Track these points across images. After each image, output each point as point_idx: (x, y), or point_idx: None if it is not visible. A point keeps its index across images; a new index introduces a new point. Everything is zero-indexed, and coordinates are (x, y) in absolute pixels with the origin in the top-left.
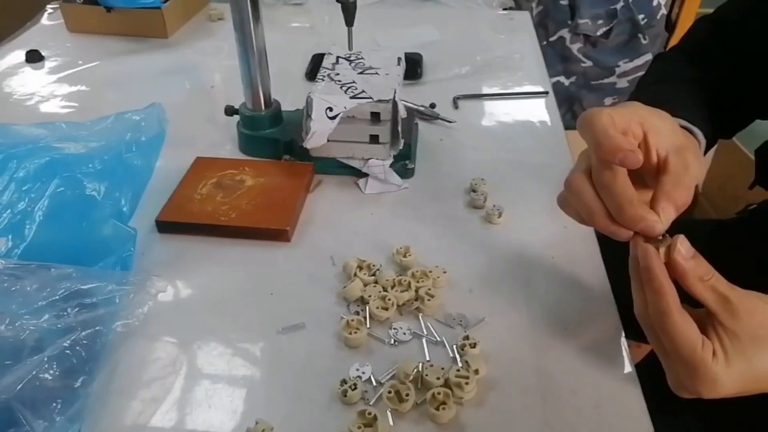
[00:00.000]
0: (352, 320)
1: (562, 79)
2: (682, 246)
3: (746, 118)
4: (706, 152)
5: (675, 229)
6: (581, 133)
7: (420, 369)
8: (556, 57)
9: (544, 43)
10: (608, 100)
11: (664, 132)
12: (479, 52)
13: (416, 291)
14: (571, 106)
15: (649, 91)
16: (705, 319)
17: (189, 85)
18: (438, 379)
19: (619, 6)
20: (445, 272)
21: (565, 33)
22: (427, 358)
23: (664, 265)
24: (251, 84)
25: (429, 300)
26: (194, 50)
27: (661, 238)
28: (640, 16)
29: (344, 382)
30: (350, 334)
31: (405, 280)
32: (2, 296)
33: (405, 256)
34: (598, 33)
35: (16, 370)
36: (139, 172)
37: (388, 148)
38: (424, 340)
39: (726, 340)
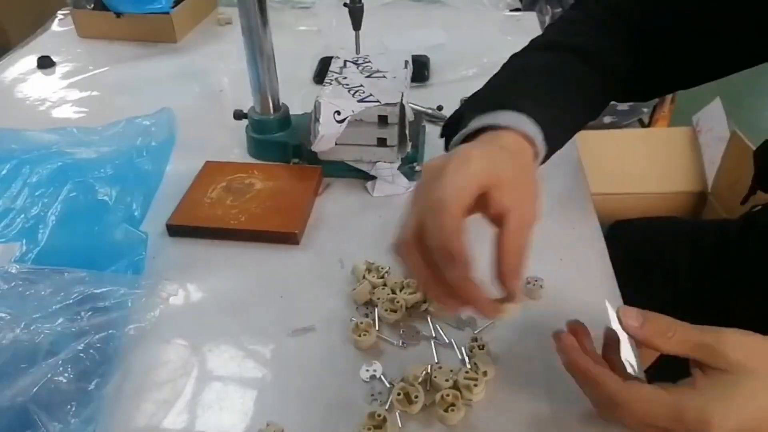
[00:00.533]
0: (362, 323)
1: None
2: (629, 317)
3: (661, 86)
4: (553, 151)
5: (681, 231)
6: (423, 202)
7: (429, 371)
8: None
9: None
10: (608, 119)
11: (509, 185)
12: (486, 53)
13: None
14: None
15: (529, 60)
16: (691, 370)
17: (198, 89)
18: (447, 381)
19: None
20: None
21: None
22: (436, 360)
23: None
24: (260, 89)
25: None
26: (203, 54)
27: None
28: None
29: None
30: (359, 336)
31: (414, 282)
32: (17, 300)
33: None
34: None
35: (32, 373)
36: (150, 177)
37: (395, 151)
38: (432, 342)
39: (716, 377)
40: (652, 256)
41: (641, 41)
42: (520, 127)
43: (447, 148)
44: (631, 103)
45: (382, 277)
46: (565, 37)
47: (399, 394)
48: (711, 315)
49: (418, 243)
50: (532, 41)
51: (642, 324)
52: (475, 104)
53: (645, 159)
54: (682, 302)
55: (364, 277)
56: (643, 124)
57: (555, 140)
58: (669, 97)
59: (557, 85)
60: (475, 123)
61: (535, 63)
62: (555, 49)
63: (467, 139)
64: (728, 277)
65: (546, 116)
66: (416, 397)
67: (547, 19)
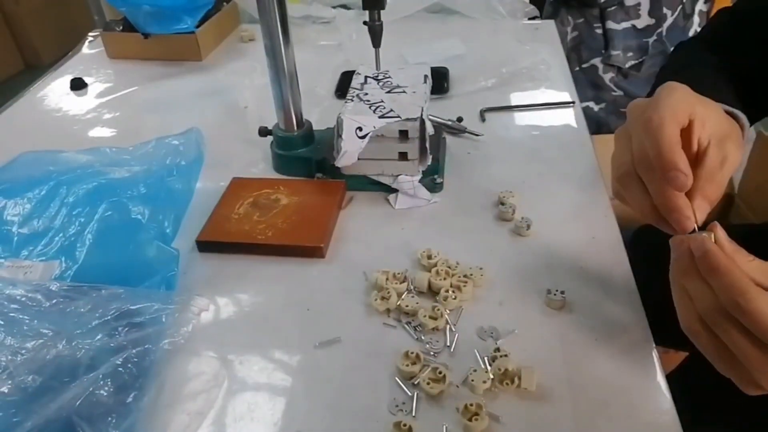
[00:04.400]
0: (412, 353)
1: (591, 104)
2: (721, 232)
3: (759, 113)
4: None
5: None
6: (637, 126)
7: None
8: (587, 84)
9: (577, 69)
10: None
11: (709, 121)
12: (505, 63)
13: (451, 278)
14: (598, 130)
15: (676, 78)
16: None
17: (223, 106)
18: (484, 383)
19: (651, 40)
20: (481, 269)
21: (597, 62)
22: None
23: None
24: (283, 106)
25: (464, 286)
26: (227, 71)
27: (695, 232)
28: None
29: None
30: (407, 366)
31: (441, 269)
32: (59, 317)
33: (430, 258)
34: (628, 65)
35: (74, 387)
36: (180, 196)
37: (416, 164)
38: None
39: None
40: None
41: (742, 67)
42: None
43: None
44: None
45: (404, 281)
46: (692, 61)
47: (428, 383)
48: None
49: (637, 172)
50: (659, 76)
51: (729, 241)
52: None
53: None
54: None
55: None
56: None
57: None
58: None
59: (722, 83)
60: None
61: (685, 66)
62: (693, 67)
63: None
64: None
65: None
66: (440, 373)
67: (569, 30)
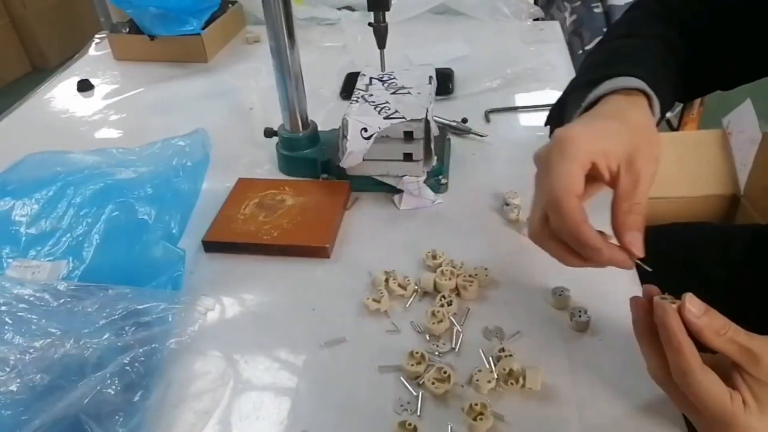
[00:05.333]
0: (417, 352)
1: None
2: (692, 305)
3: (709, 84)
4: (664, 114)
5: (713, 236)
6: (542, 194)
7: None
8: None
9: (580, 52)
10: None
11: (611, 150)
12: (510, 64)
13: (456, 278)
14: None
15: (616, 44)
16: (729, 368)
17: (229, 107)
18: (489, 382)
19: None
20: (486, 269)
21: None
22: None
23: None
24: (289, 107)
25: (470, 286)
26: (233, 73)
27: (665, 296)
28: None
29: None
30: (412, 366)
31: (446, 270)
32: (67, 316)
33: (435, 258)
34: None
35: (82, 386)
36: (187, 196)
37: (421, 165)
38: (461, 353)
39: (756, 388)
40: (683, 263)
41: (698, 37)
42: (639, 86)
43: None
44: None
45: (405, 287)
46: (639, 29)
47: (433, 383)
48: (743, 322)
49: (548, 230)
50: (605, 38)
51: (702, 315)
52: (579, 86)
53: (674, 162)
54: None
55: (385, 286)
56: (671, 128)
57: (662, 103)
58: (698, 99)
59: (652, 60)
60: (598, 91)
61: (622, 45)
62: (635, 37)
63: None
64: (762, 283)
65: (653, 81)
66: (445, 373)
67: (567, 15)
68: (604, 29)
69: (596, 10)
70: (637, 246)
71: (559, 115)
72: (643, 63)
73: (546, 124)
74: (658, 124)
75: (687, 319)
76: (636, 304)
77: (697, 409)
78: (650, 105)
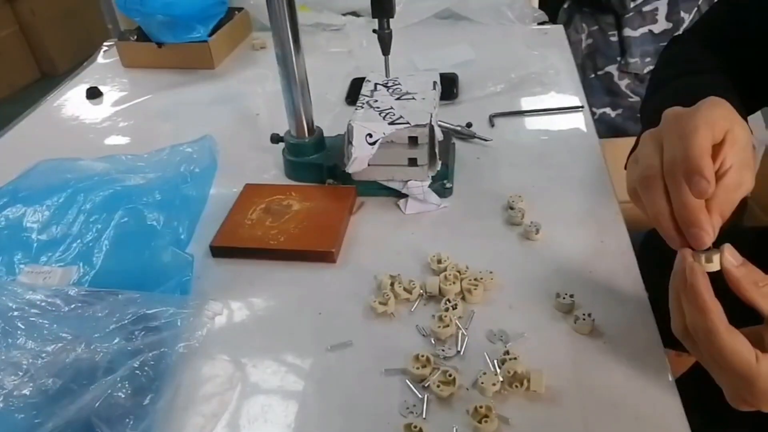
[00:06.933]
0: (422, 355)
1: (608, 110)
2: (731, 255)
3: (757, 104)
4: None
5: (720, 237)
6: (671, 132)
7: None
8: (602, 90)
9: (592, 75)
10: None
11: (739, 144)
12: (514, 69)
13: (461, 281)
14: (615, 135)
15: (686, 81)
16: (762, 331)
17: (235, 113)
18: (494, 385)
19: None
20: (491, 273)
21: (613, 69)
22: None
23: (709, 281)
24: (295, 113)
25: (475, 289)
26: (239, 79)
27: (706, 249)
28: None
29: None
30: (418, 369)
31: (451, 274)
32: (77, 321)
33: (440, 262)
34: (645, 71)
35: (93, 389)
36: (195, 202)
37: (426, 170)
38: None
39: None
40: None
41: (740, 62)
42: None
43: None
44: None
45: (410, 291)
46: (690, 65)
47: (438, 385)
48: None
49: (661, 177)
50: (661, 78)
51: (741, 265)
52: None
53: None
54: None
55: (391, 289)
56: None
57: None
58: None
59: (724, 92)
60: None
61: (685, 83)
62: (692, 74)
63: None
64: None
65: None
66: (450, 375)
67: (583, 37)
68: (618, 57)
69: (612, 39)
70: (716, 227)
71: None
72: (725, 97)
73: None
74: None
75: (725, 268)
76: (682, 253)
77: (721, 367)
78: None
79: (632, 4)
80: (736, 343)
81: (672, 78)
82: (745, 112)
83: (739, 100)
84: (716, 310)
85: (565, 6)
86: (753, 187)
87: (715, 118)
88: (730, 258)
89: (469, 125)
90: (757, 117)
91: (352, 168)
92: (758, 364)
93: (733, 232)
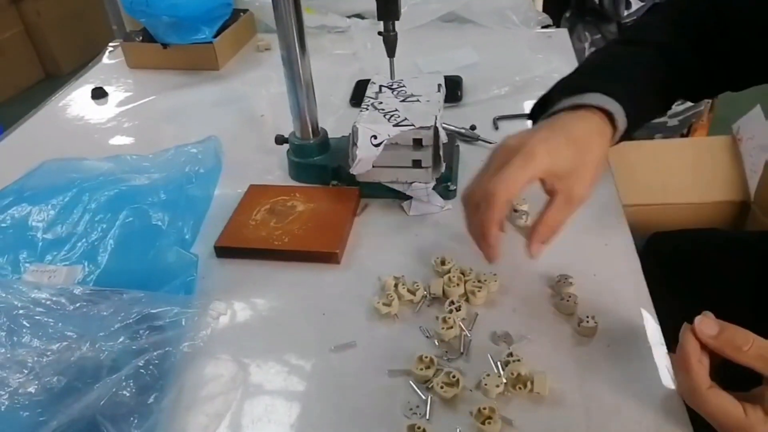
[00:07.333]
0: (426, 357)
1: None
2: (705, 326)
3: (716, 87)
4: (642, 121)
5: (722, 242)
6: (486, 191)
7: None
8: None
9: None
10: (658, 137)
11: (558, 168)
12: (518, 72)
13: (465, 283)
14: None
15: (614, 50)
16: (765, 391)
17: (240, 115)
18: (497, 387)
19: None
20: (495, 275)
21: None
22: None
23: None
24: (299, 115)
25: (478, 291)
26: (244, 81)
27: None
28: None
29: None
30: (421, 370)
31: (455, 276)
32: (82, 320)
33: (443, 264)
34: None
35: (98, 388)
36: (199, 202)
37: (430, 172)
38: (469, 358)
39: None
40: (691, 269)
41: (709, 42)
42: (603, 105)
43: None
44: (680, 118)
45: (414, 293)
46: (644, 35)
47: (441, 386)
48: (752, 328)
49: (475, 200)
50: (612, 41)
51: (717, 334)
52: (563, 88)
53: (684, 168)
54: (722, 316)
55: (395, 290)
56: (681, 134)
57: (635, 120)
58: (708, 105)
59: (638, 72)
60: (564, 103)
61: (616, 53)
62: (635, 44)
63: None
64: None
65: (627, 96)
66: (454, 377)
67: (586, 46)
68: None
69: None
70: (537, 255)
71: (540, 111)
72: (626, 75)
73: (529, 118)
74: (636, 129)
75: (702, 340)
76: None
77: (717, 425)
78: (613, 120)
79: (626, 12)
80: (719, 398)
81: (614, 43)
82: (671, 92)
83: (663, 78)
84: (697, 369)
85: (567, 15)
86: (591, 183)
87: (522, 177)
88: (704, 330)
89: (473, 128)
90: (761, 119)
91: (356, 169)
92: (748, 417)
93: (737, 238)
